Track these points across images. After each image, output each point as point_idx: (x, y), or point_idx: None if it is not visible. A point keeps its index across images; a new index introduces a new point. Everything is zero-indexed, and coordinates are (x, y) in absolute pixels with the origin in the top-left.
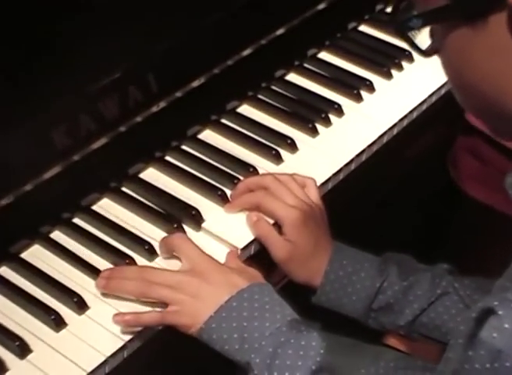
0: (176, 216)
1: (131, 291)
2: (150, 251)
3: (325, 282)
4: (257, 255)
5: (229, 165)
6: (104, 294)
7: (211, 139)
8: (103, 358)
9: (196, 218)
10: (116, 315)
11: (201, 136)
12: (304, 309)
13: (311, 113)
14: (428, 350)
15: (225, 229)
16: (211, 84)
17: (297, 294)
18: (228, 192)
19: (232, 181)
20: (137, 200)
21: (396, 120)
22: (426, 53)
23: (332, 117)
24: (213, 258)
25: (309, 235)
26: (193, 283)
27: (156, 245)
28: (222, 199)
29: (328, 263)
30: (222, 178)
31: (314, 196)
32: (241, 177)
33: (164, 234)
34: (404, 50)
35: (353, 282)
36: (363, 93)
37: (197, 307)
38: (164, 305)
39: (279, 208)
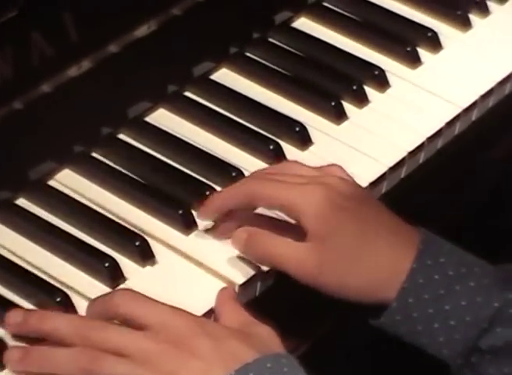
0: None
1: (65, 368)
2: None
3: (409, 288)
4: (269, 295)
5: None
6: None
7: (165, 122)
8: None
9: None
10: None
11: (150, 118)
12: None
13: (355, 70)
14: None
15: (209, 251)
16: (165, 33)
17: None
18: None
19: (203, 192)
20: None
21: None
22: None
23: (389, 78)
24: (192, 315)
25: (352, 219)
26: (169, 356)
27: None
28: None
29: (416, 259)
30: (185, 188)
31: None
32: (217, 187)
33: None
34: None
35: (455, 294)
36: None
37: None
38: None
39: (287, 191)
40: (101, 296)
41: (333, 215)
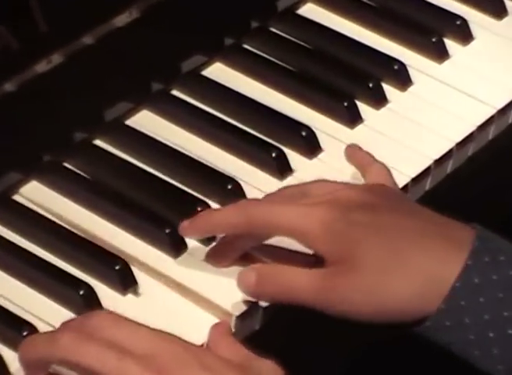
0: None
1: None
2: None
3: (462, 289)
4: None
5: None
6: None
7: (148, 126)
8: None
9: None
10: None
11: (131, 121)
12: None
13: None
14: None
15: (200, 277)
16: (149, 22)
17: None
18: None
19: (194, 207)
20: None
21: None
22: None
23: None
24: (183, 341)
25: (370, 230)
26: None
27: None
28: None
29: (471, 255)
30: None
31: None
32: (210, 202)
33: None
34: None
35: None
36: None
37: None
38: None
39: (286, 213)
40: (75, 318)
41: (345, 231)
